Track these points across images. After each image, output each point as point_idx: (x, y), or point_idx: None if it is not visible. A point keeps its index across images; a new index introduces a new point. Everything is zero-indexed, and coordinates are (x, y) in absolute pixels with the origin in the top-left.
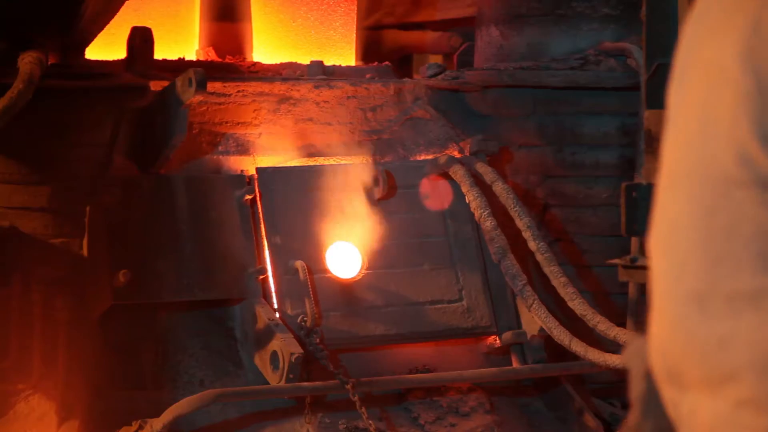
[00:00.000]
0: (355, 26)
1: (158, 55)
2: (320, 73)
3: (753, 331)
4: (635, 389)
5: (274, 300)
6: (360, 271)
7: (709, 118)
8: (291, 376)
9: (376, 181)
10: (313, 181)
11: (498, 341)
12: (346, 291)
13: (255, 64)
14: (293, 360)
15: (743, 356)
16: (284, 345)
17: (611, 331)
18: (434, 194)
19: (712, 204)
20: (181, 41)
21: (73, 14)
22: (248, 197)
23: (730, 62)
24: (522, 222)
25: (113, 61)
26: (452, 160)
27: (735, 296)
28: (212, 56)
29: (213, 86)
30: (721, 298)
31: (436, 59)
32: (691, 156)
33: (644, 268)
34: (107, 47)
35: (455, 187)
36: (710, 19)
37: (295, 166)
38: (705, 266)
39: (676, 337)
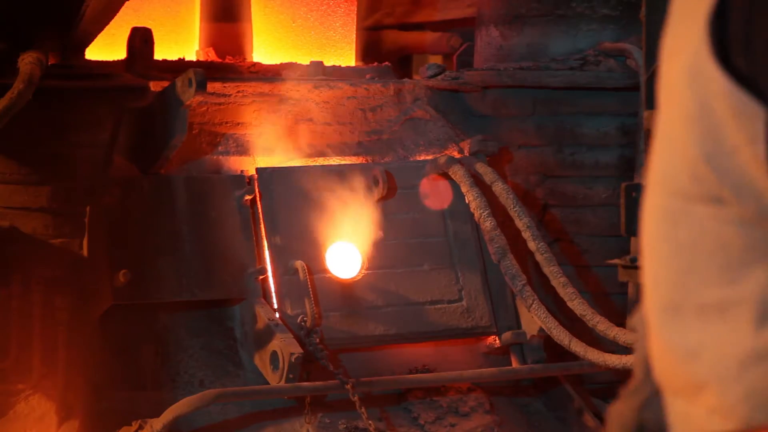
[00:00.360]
0: (355, 27)
1: (158, 55)
2: (320, 74)
3: (718, 342)
4: (638, 352)
5: (274, 300)
6: (360, 272)
7: (669, 134)
8: (291, 376)
9: (375, 182)
10: (313, 181)
11: (497, 341)
12: (346, 291)
13: (255, 64)
14: (293, 360)
15: (710, 367)
16: (284, 345)
17: (611, 331)
18: (434, 194)
19: (675, 218)
20: (181, 42)
21: (73, 15)
22: (248, 197)
23: (680, 83)
24: (522, 222)
25: (113, 62)
26: (452, 160)
27: (703, 308)
28: (212, 57)
29: (213, 86)
30: (692, 309)
31: (436, 59)
32: (659, 169)
33: None
34: (107, 47)
35: (455, 187)
36: (675, 34)
37: (295, 167)
38: (676, 278)
39: (659, 346)
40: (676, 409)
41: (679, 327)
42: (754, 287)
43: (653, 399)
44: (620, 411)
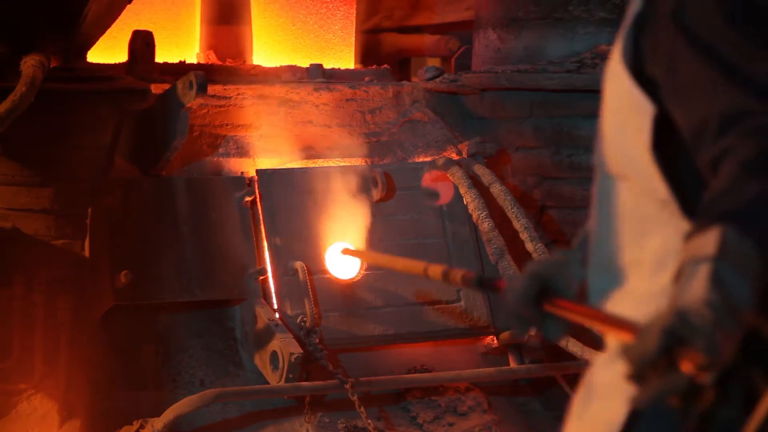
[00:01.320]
0: (354, 30)
1: (159, 58)
2: (320, 76)
3: (629, 289)
4: (585, 229)
5: (274, 300)
6: (359, 272)
7: (602, 123)
8: (290, 375)
9: (374, 183)
10: (312, 182)
11: (495, 341)
12: (345, 291)
13: (255, 67)
14: (293, 360)
15: (623, 309)
16: (284, 345)
17: None
18: (434, 188)
19: (606, 191)
20: (182, 44)
21: (75, 18)
22: (248, 199)
23: (608, 80)
24: (519, 223)
25: (115, 64)
26: (450, 162)
27: (621, 266)
28: (213, 59)
29: (213, 89)
30: (615, 266)
31: (434, 62)
32: (599, 152)
33: None
34: (109, 50)
35: (454, 187)
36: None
37: (294, 168)
38: (607, 239)
39: (590, 293)
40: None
41: (607, 278)
42: (651, 251)
43: (571, 266)
44: (539, 264)
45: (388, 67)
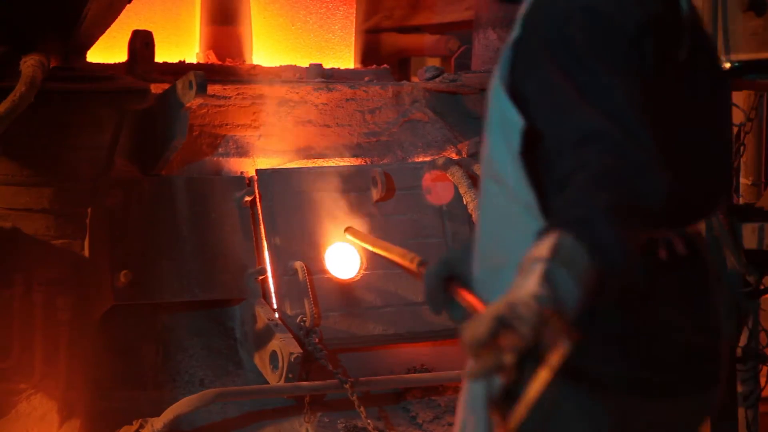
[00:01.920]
0: (353, 29)
1: (159, 58)
2: (319, 76)
3: (496, 286)
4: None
5: (274, 300)
6: (358, 272)
7: (485, 132)
8: (290, 375)
9: (374, 183)
10: (312, 182)
11: None
12: (345, 291)
13: (255, 66)
14: (292, 360)
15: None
16: (283, 345)
17: None
18: (435, 188)
19: (484, 193)
20: (182, 44)
21: (75, 18)
22: (248, 198)
23: (490, 96)
24: None
25: (114, 64)
26: (450, 162)
27: (492, 260)
28: (212, 59)
29: (213, 89)
30: (488, 265)
31: (434, 62)
32: (482, 157)
33: None
34: (108, 50)
35: (454, 187)
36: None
37: (294, 168)
38: (484, 239)
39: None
40: None
41: (482, 271)
42: (508, 248)
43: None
44: (452, 251)
45: (388, 67)
